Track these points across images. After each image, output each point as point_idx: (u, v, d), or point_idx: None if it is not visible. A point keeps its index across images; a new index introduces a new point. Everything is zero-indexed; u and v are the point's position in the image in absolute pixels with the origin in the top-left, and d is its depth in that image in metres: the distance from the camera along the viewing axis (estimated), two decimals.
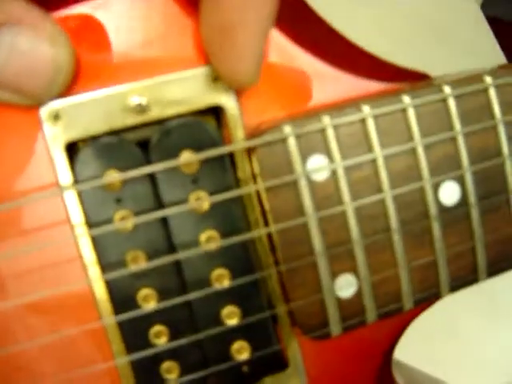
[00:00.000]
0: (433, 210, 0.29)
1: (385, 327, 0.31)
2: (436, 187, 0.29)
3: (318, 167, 0.27)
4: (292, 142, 0.27)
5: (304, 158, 0.27)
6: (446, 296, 0.31)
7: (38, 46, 0.22)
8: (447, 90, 0.28)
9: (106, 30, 0.26)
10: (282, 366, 0.30)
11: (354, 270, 0.28)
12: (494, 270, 0.31)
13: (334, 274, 0.28)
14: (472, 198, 0.29)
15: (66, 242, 0.26)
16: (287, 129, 0.27)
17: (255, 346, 0.29)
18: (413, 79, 0.31)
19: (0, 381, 0.27)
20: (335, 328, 0.29)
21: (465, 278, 0.30)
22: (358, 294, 0.29)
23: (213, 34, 0.25)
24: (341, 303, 0.29)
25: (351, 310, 0.29)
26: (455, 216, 0.29)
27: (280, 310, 0.29)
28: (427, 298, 0.30)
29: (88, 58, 0.26)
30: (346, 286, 0.29)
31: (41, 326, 0.27)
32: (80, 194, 0.26)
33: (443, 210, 0.29)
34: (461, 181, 0.29)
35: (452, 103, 0.29)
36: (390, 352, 0.32)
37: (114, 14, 0.26)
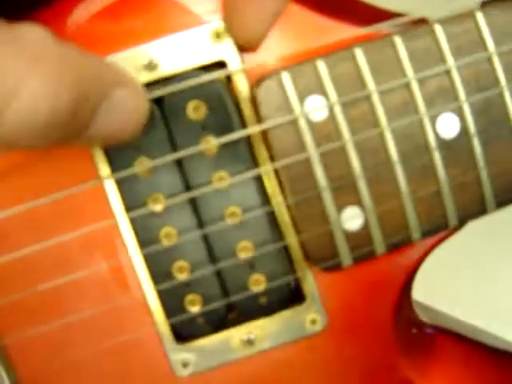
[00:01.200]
0: (432, 142, 0.30)
1: (399, 259, 0.32)
2: (433, 120, 0.30)
3: (315, 107, 0.30)
4: (289, 85, 0.29)
5: (301, 99, 0.30)
6: (462, 229, 0.32)
7: (139, 103, 0.26)
8: (438, 27, 0.30)
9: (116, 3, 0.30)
10: (298, 299, 0.32)
11: (358, 202, 0.30)
12: (503, 200, 0.31)
13: (340, 207, 0.30)
14: (472, 128, 0.30)
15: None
16: (283, 73, 0.29)
17: (270, 278, 0.31)
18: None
19: None
20: (345, 258, 0.30)
21: (472, 209, 0.31)
22: (365, 226, 0.30)
23: None
24: (348, 235, 0.30)
25: (359, 241, 0.31)
26: (456, 148, 0.30)
27: (292, 242, 0.31)
28: (435, 229, 0.31)
29: (102, 27, 0.30)
30: (352, 219, 0.30)
31: None
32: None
33: (443, 142, 0.30)
34: (459, 113, 0.30)
35: (443, 39, 0.30)
36: (407, 284, 0.33)
37: None
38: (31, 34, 0.22)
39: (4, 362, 0.30)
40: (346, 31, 0.31)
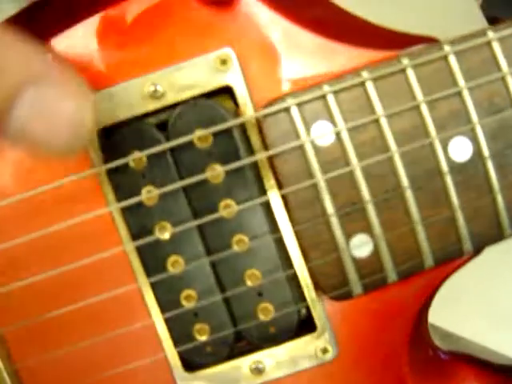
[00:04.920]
0: (444, 166, 0.29)
1: (412, 288, 0.31)
2: (445, 144, 0.29)
3: (322, 133, 0.29)
4: (295, 111, 0.29)
5: (308, 125, 0.29)
6: (479, 255, 0.31)
7: (62, 102, 0.22)
8: (447, 47, 0.29)
9: (122, 32, 0.30)
10: (308, 327, 0.31)
11: (367, 229, 0.30)
12: None
13: (349, 235, 0.30)
14: (485, 151, 0.29)
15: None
16: (289, 99, 0.29)
17: (279, 306, 0.30)
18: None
19: None
20: (355, 287, 0.30)
21: (487, 234, 0.30)
22: (375, 253, 0.30)
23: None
24: (358, 262, 0.30)
25: (369, 268, 0.30)
26: (470, 171, 0.30)
27: (301, 271, 0.30)
28: (449, 255, 0.30)
29: (108, 56, 0.30)
30: (361, 246, 0.30)
31: None
32: (110, 175, 0.30)
33: (455, 165, 0.29)
34: (472, 136, 0.29)
35: (453, 60, 0.29)
36: (420, 313, 0.32)
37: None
38: None
39: None
40: (353, 54, 0.31)
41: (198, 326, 0.31)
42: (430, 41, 0.32)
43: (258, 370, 0.31)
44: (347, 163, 0.29)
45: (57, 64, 0.23)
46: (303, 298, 0.31)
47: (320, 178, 0.29)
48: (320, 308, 0.31)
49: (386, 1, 0.33)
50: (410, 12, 0.32)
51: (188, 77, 0.30)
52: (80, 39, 0.31)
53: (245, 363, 0.31)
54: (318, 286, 0.30)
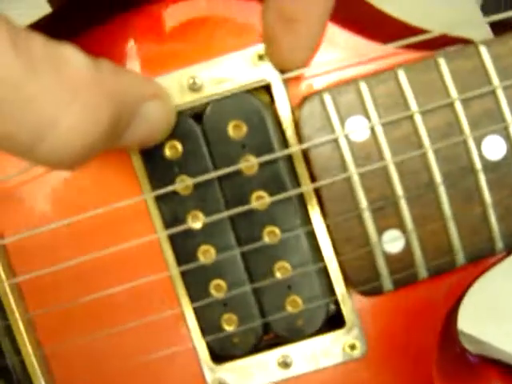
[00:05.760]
0: (477, 164, 0.29)
1: (442, 287, 0.31)
2: (479, 142, 0.29)
3: (356, 128, 0.29)
4: (330, 106, 0.29)
5: (343, 119, 0.30)
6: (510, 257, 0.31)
7: (167, 112, 0.28)
8: (482, 48, 0.30)
9: (162, 26, 0.31)
10: (337, 323, 0.31)
11: (400, 225, 0.30)
12: None
13: (381, 230, 0.30)
14: None
15: None
16: (325, 94, 0.29)
17: (307, 300, 0.30)
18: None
19: None
20: (386, 282, 0.30)
21: None
22: (407, 249, 0.30)
23: (275, 24, 0.28)
24: (389, 258, 0.30)
25: (401, 264, 0.30)
26: (503, 170, 0.30)
27: (331, 264, 0.30)
28: (480, 253, 0.30)
29: (148, 49, 0.31)
30: (393, 241, 0.30)
31: None
32: (146, 163, 0.30)
33: (489, 164, 0.29)
34: (505, 134, 0.30)
35: (488, 60, 0.29)
36: (450, 313, 0.32)
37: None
38: (73, 60, 0.22)
39: (43, 371, 0.31)
40: (389, 53, 0.31)
41: (226, 316, 0.31)
42: (466, 42, 0.32)
43: (285, 364, 0.31)
44: (381, 158, 0.29)
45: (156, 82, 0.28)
46: (332, 293, 0.31)
47: (354, 172, 0.29)
48: (349, 303, 0.31)
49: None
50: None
51: (226, 70, 0.31)
52: (120, 33, 0.32)
53: (272, 356, 0.31)
54: (348, 281, 0.30)
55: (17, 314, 0.31)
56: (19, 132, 0.21)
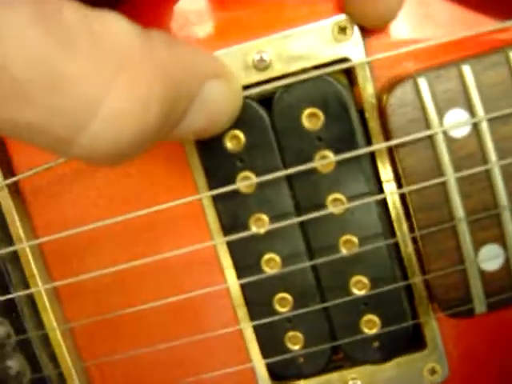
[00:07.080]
0: None
1: None
2: None
3: (457, 122, 0.24)
4: (426, 94, 0.24)
5: (441, 112, 0.25)
6: None
7: (233, 92, 0.23)
8: None
9: None
10: (418, 346, 0.27)
11: (500, 239, 0.25)
12: None
13: (478, 244, 0.25)
14: None
15: None
16: (420, 79, 0.24)
17: (386, 320, 0.26)
18: None
19: None
20: (479, 305, 0.26)
21: None
22: (506, 267, 0.25)
23: None
24: (485, 277, 0.25)
25: (497, 284, 0.26)
26: None
27: (416, 282, 0.26)
28: None
29: (207, 19, 0.26)
30: (491, 258, 0.25)
31: None
32: (202, 157, 0.26)
33: None
34: None
35: None
36: None
37: None
38: (115, 29, 0.17)
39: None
40: (498, 27, 0.26)
41: (290, 334, 0.27)
42: None
43: None
44: (484, 160, 0.25)
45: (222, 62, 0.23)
46: (414, 312, 0.27)
47: (451, 176, 0.25)
48: (433, 325, 0.27)
49: None
50: None
51: (299, 46, 0.25)
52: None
53: (339, 379, 0.27)
54: (433, 300, 0.26)
55: (54, 323, 0.27)
56: (53, 122, 0.17)
